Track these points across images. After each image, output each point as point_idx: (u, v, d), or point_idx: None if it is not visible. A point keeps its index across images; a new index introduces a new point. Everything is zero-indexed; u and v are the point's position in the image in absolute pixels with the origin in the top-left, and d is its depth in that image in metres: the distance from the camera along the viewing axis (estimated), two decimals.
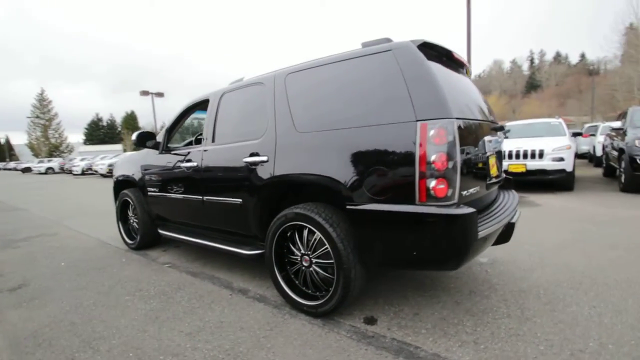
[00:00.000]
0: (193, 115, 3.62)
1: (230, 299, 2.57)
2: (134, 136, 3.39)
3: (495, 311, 2.22)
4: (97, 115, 68.53)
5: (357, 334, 2.01)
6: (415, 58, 1.86)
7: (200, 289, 2.78)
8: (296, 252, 2.31)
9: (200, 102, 3.24)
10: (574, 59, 72.24)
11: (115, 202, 4.35)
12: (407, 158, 1.75)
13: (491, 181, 2.24)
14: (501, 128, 2.59)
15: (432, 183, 1.69)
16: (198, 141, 3.87)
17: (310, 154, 2.13)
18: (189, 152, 3.18)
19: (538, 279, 2.69)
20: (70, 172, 26.18)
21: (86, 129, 66.86)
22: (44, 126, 54.16)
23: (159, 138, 3.54)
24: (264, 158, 2.38)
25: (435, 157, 1.68)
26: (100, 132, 67.06)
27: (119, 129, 65.20)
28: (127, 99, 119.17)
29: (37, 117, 53.64)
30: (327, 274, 2.16)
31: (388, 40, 2.08)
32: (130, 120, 62.08)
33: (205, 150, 2.92)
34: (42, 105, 54.76)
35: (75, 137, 63.12)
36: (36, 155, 51.39)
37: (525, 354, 1.77)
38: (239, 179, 2.57)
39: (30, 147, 54.73)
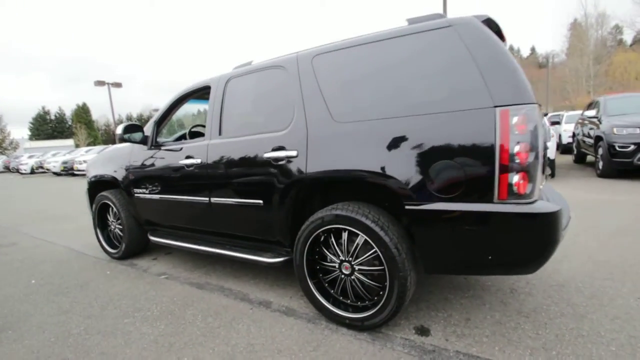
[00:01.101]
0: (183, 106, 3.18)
1: (252, 314, 2.25)
2: (119, 129, 2.90)
3: (547, 310, 2.09)
4: (44, 108, 62.74)
5: (415, 349, 1.79)
6: (485, 35, 1.63)
7: (213, 303, 2.43)
8: (333, 258, 2.03)
9: (198, 89, 2.82)
10: (525, 52, 76.53)
11: (91, 206, 3.80)
12: (484, 150, 1.52)
13: (546, 172, 2.09)
14: (545, 114, 2.45)
15: (515, 178, 1.48)
16: (193, 135, 3.44)
17: (355, 148, 1.85)
18: (181, 148, 2.77)
19: (569, 271, 2.62)
20: (17, 171, 23.74)
21: (31, 123, 61.09)
22: None
23: (147, 131, 3.07)
24: (292, 153, 2.06)
25: (518, 148, 1.47)
26: (47, 127, 61.55)
27: (69, 123, 60.23)
28: (77, 92, 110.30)
29: None
30: (373, 283, 1.91)
31: (441, 15, 1.83)
32: (83, 114, 57.43)
33: (210, 145, 2.54)
34: None
35: (18, 132, 57.53)
36: None
37: (600, 357, 1.65)
38: (258, 177, 2.23)
39: None
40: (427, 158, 1.64)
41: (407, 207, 1.69)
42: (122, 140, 2.92)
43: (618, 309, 2.06)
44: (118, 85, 24.94)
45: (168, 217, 3.07)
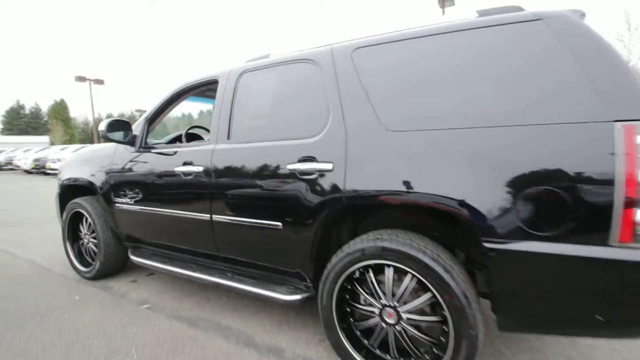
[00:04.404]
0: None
1: None
2: (102, 125, 2.40)
3: None
4: (19, 102, 59.97)
5: None
6: (588, 32, 1.29)
7: (210, 348, 1.94)
8: (371, 300, 1.61)
9: (203, 83, 2.38)
10: None
11: (61, 215, 3.23)
12: (598, 176, 1.16)
13: None
14: None
15: None
16: (190, 137, 2.97)
17: (413, 164, 1.45)
18: (175, 152, 2.32)
19: None
20: None
21: (4, 116, 58.15)
22: None
23: (136, 130, 2.59)
24: (326, 166, 1.65)
25: None
26: (21, 122, 58.76)
27: (45, 119, 57.63)
28: (56, 86, 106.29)
29: None
30: (427, 337, 1.50)
31: (519, 8, 1.49)
32: (60, 110, 55.02)
33: (216, 151, 2.09)
34: None
35: None
36: None
37: None
38: (278, 193, 1.80)
39: None
40: (518, 183, 1.26)
41: (486, 244, 1.30)
42: (106, 138, 2.42)
43: None
44: (100, 82, 23.95)
45: (155, 234, 2.57)
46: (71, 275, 3.08)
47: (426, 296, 1.46)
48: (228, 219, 2.01)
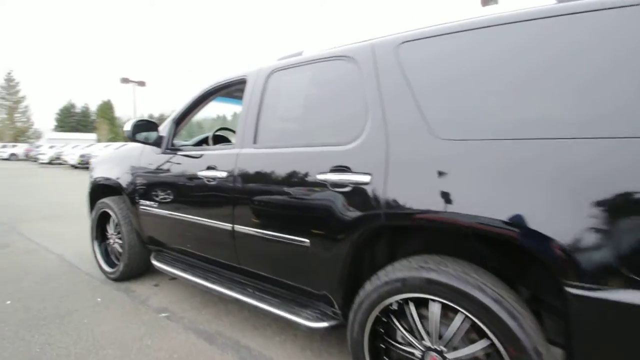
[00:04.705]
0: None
1: None
2: (127, 125, 2.33)
3: None
4: (70, 101, 64.66)
5: None
6: None
7: None
8: (410, 339, 1.36)
9: (231, 83, 2.24)
10: None
11: (90, 213, 3.24)
12: None
13: None
14: None
15: None
16: (217, 139, 2.86)
17: (475, 181, 1.19)
18: (202, 155, 2.18)
19: None
20: (35, 160, 23.93)
21: (57, 114, 62.82)
22: (10, 108, 50.39)
23: (163, 132, 2.50)
24: (363, 178, 1.43)
25: None
26: (72, 120, 63.14)
27: (93, 118, 61.63)
28: (104, 87, 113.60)
29: (3, 98, 49.88)
30: None
31: None
32: (107, 110, 58.63)
33: (240, 155, 1.93)
34: (10, 86, 50.97)
35: (46, 123, 59.32)
36: (0, 138, 47.55)
37: None
38: (307, 205, 1.60)
39: None
40: (621, 215, 0.97)
41: (569, 289, 1.01)
42: (131, 139, 2.35)
43: None
44: (142, 83, 25.14)
45: (176, 239, 2.46)
46: (97, 275, 3.05)
47: (483, 343, 1.19)
48: (250, 231, 1.84)
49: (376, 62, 1.54)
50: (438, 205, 1.23)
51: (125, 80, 25.01)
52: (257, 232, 1.81)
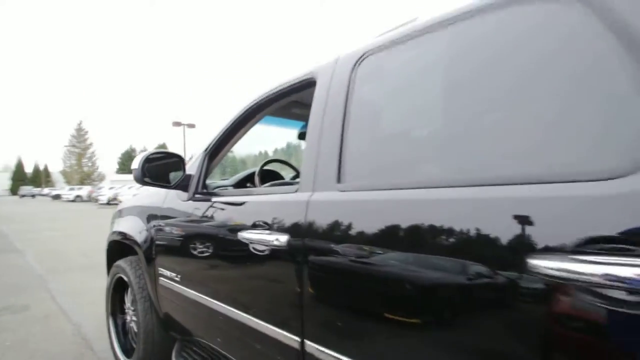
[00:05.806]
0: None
1: None
2: (136, 162, 1.57)
3: None
4: (131, 146, 70.85)
5: None
6: None
7: None
8: None
9: (290, 89, 1.43)
10: None
11: (108, 276, 2.53)
12: None
13: None
14: None
15: None
16: (265, 177, 2.05)
17: None
18: (244, 202, 1.36)
19: None
20: (96, 201, 25.45)
21: (119, 158, 68.86)
22: (79, 154, 56.27)
23: (191, 169, 1.74)
24: None
25: None
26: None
27: None
28: (161, 130, 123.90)
29: (74, 145, 55.92)
30: None
31: None
32: None
33: (312, 203, 1.06)
34: (80, 134, 57.26)
35: (110, 166, 65.13)
36: (68, 182, 52.64)
37: None
38: (485, 314, 0.66)
39: (64, 174, 56.50)
40: None
41: None
42: (140, 182, 1.58)
43: None
44: (192, 126, 26.35)
45: (207, 331, 1.60)
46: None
47: None
48: (339, 356, 0.92)
49: None
50: None
51: (176, 124, 26.39)
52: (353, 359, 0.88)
